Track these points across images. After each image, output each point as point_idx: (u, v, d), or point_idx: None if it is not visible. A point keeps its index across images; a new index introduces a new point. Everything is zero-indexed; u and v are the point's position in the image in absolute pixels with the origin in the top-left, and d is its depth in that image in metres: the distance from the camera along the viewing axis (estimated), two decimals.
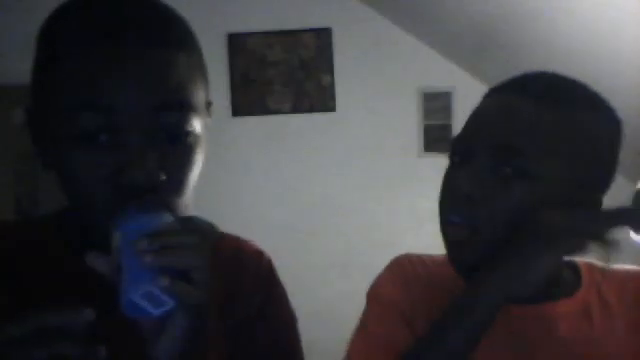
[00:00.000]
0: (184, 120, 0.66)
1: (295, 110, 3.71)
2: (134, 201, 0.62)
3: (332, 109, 3.71)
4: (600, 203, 0.82)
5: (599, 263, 0.89)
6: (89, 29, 0.65)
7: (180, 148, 0.66)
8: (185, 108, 0.66)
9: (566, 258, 0.87)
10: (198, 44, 0.71)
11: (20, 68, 3.69)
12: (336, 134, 3.72)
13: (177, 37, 0.68)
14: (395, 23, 3.67)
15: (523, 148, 0.76)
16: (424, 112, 3.70)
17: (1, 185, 3.87)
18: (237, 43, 3.63)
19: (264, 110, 3.69)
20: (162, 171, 0.64)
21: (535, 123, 0.78)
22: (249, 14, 3.66)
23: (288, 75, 3.70)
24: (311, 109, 3.71)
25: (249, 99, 3.65)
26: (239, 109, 3.62)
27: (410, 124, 3.71)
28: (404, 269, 0.90)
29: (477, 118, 0.83)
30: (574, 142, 0.78)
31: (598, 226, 0.73)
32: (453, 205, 0.80)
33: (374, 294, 0.89)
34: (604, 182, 0.83)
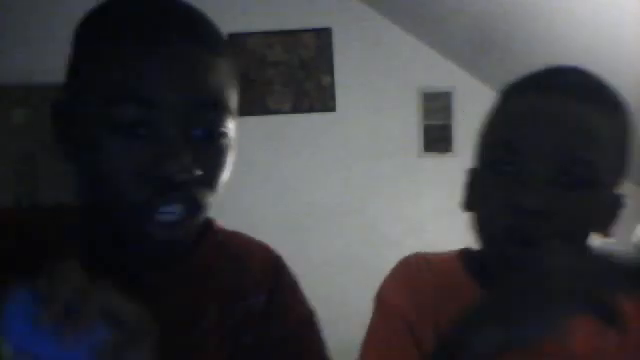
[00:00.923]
0: (220, 120, 0.68)
1: (295, 110, 3.71)
2: (167, 194, 0.64)
3: (332, 109, 3.72)
4: (624, 201, 0.81)
5: None
6: (135, 24, 0.66)
7: (214, 147, 0.68)
8: (222, 109, 0.68)
9: None
10: (231, 51, 0.73)
11: (20, 68, 3.69)
12: (336, 134, 3.73)
13: (217, 41, 0.70)
14: (395, 23, 3.67)
15: (589, 158, 0.74)
16: (424, 112, 3.70)
17: (1, 185, 3.86)
18: (237, 43, 3.63)
19: (264, 110, 3.69)
20: (197, 166, 0.65)
21: (592, 128, 0.75)
22: (249, 14, 3.66)
23: (288, 75, 3.70)
24: (311, 109, 3.71)
25: (249, 99, 3.65)
26: (239, 109, 3.62)
27: (410, 124, 3.71)
28: (409, 273, 0.88)
29: (521, 121, 0.78)
30: (618, 142, 0.77)
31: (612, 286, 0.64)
32: (516, 221, 0.74)
33: (379, 300, 0.87)
34: (626, 177, 0.82)
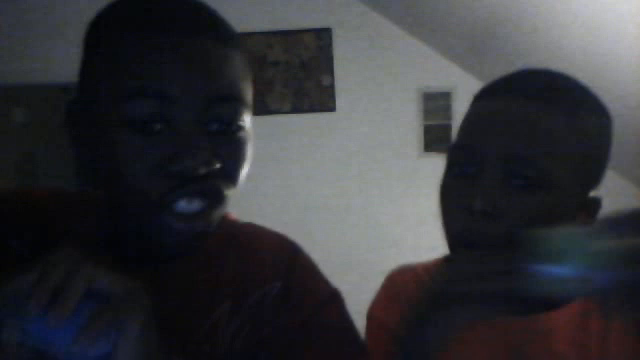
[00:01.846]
0: (237, 113, 0.68)
1: (295, 110, 3.71)
2: (186, 188, 0.64)
3: (332, 109, 3.72)
4: (600, 203, 0.80)
5: None
6: (150, 18, 0.66)
7: (233, 140, 0.68)
8: (238, 102, 0.68)
9: None
10: (245, 47, 0.73)
11: (21, 68, 3.69)
12: (336, 134, 3.73)
13: (231, 34, 0.70)
14: (395, 23, 3.67)
15: (538, 157, 0.74)
16: (424, 112, 3.70)
17: (1, 185, 3.87)
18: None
19: (264, 110, 3.69)
20: (216, 160, 0.65)
21: (545, 130, 0.75)
22: (249, 14, 3.66)
23: (288, 75, 3.70)
24: (311, 109, 3.71)
25: None
26: None
27: (410, 124, 3.71)
28: (394, 288, 0.88)
29: (478, 124, 0.79)
30: (579, 144, 0.76)
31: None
32: (464, 218, 0.75)
33: (368, 317, 0.88)
34: (600, 179, 0.81)
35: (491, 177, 0.74)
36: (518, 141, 0.74)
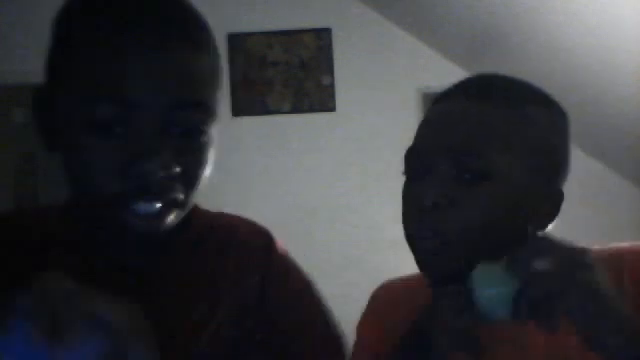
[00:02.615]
0: (200, 119, 0.67)
1: (295, 110, 3.71)
2: (146, 191, 0.63)
3: (332, 109, 3.72)
4: (561, 195, 0.82)
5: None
6: (112, 19, 0.65)
7: (194, 145, 0.67)
8: (202, 108, 0.67)
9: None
10: (218, 49, 0.72)
11: (20, 68, 3.69)
12: (336, 134, 3.73)
13: (200, 38, 0.69)
14: (395, 23, 3.68)
15: (481, 150, 0.76)
16: (424, 112, 3.70)
17: (1, 185, 3.86)
18: (237, 43, 3.63)
19: (264, 110, 3.69)
20: (177, 163, 0.65)
21: (489, 123, 0.77)
22: (249, 14, 3.66)
23: (288, 75, 3.70)
24: (311, 109, 3.71)
25: (249, 99, 3.65)
26: (239, 109, 3.62)
27: (410, 124, 3.70)
28: (377, 306, 0.89)
29: (428, 127, 0.82)
30: (527, 137, 0.78)
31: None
32: (420, 218, 0.79)
33: (356, 332, 0.89)
34: (561, 172, 0.83)
35: (441, 173, 0.77)
36: (464, 136, 0.77)
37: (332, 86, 3.70)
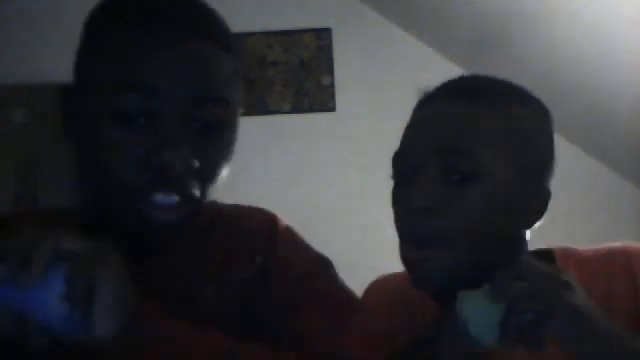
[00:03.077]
0: (221, 114, 0.69)
1: (295, 110, 3.71)
2: (164, 182, 0.65)
3: (332, 109, 3.71)
4: (548, 192, 0.82)
5: (575, 248, 0.88)
6: (141, 14, 0.67)
7: (214, 141, 0.69)
8: (222, 103, 0.69)
9: (541, 246, 0.87)
10: (240, 49, 0.74)
11: (20, 68, 3.69)
12: (336, 134, 3.72)
13: (221, 36, 0.71)
14: (395, 23, 3.67)
15: (469, 150, 0.76)
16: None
17: (1, 185, 3.86)
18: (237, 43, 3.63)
19: (264, 110, 3.69)
20: (195, 158, 0.66)
21: (475, 124, 0.78)
22: (249, 14, 3.66)
23: (288, 75, 3.70)
24: (311, 109, 3.71)
25: (249, 99, 3.65)
26: None
27: None
28: (376, 299, 0.90)
29: (414, 130, 0.84)
30: (513, 136, 0.79)
31: None
32: (412, 222, 0.79)
33: None
34: (547, 169, 0.84)
35: (428, 174, 0.77)
36: (451, 137, 0.78)
37: (332, 86, 3.70)
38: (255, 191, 3.79)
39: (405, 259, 0.81)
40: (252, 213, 0.83)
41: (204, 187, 0.69)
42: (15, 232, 0.58)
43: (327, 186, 3.73)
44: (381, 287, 0.92)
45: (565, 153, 2.75)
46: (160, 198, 0.66)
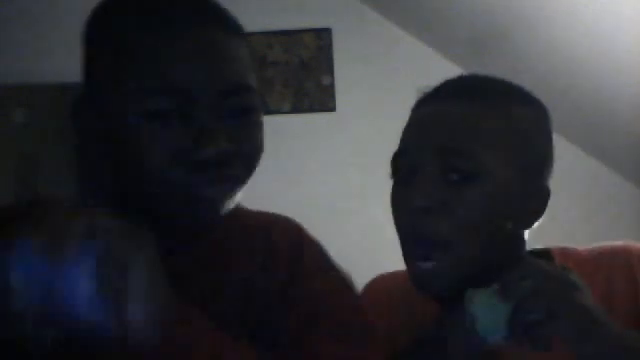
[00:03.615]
0: (249, 100, 0.71)
1: (295, 110, 3.71)
2: (208, 176, 0.66)
3: (332, 109, 3.71)
4: (548, 191, 0.82)
5: (574, 247, 0.88)
6: (157, 13, 0.68)
7: (247, 125, 0.71)
8: (249, 89, 0.71)
9: (539, 245, 0.87)
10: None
11: (20, 68, 3.69)
12: (336, 134, 3.72)
13: (237, 26, 0.74)
14: (395, 23, 3.67)
15: (468, 150, 0.76)
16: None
17: (1, 185, 3.86)
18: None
19: (264, 110, 3.67)
20: (232, 145, 0.67)
21: (474, 123, 0.78)
22: (249, 14, 3.66)
23: (288, 75, 3.70)
24: (311, 109, 3.71)
25: None
26: None
27: None
28: (375, 297, 0.89)
29: (413, 130, 0.84)
30: (512, 135, 0.79)
31: None
32: (412, 222, 0.78)
33: None
34: (546, 168, 0.83)
35: (428, 174, 0.77)
36: (450, 136, 0.77)
37: (332, 86, 3.70)
38: (255, 191, 3.79)
39: (407, 259, 0.81)
40: (277, 223, 0.85)
41: (245, 170, 0.71)
42: (44, 213, 0.57)
43: (327, 186, 3.73)
44: (380, 286, 0.92)
45: (565, 153, 2.75)
46: (202, 190, 0.66)
